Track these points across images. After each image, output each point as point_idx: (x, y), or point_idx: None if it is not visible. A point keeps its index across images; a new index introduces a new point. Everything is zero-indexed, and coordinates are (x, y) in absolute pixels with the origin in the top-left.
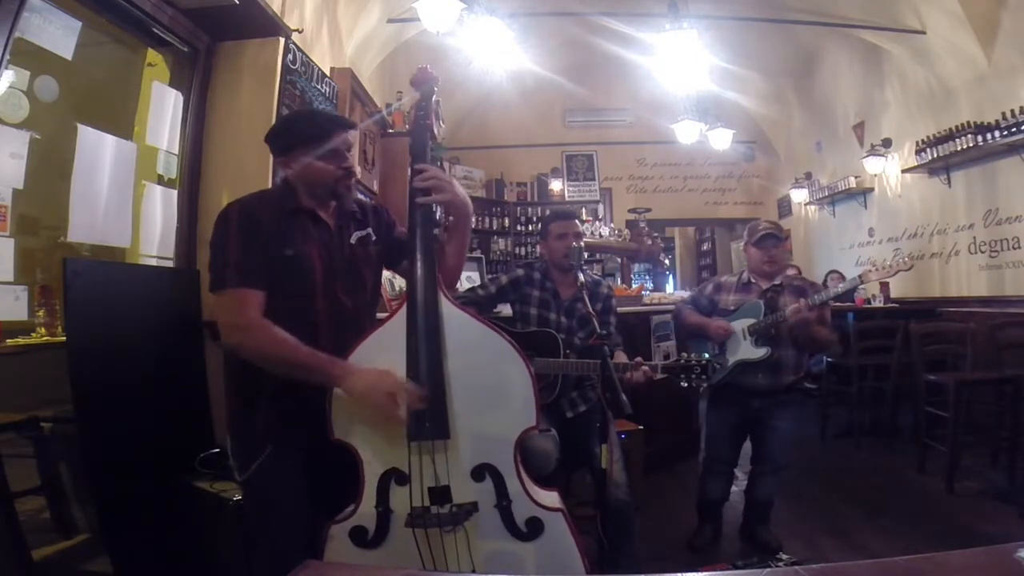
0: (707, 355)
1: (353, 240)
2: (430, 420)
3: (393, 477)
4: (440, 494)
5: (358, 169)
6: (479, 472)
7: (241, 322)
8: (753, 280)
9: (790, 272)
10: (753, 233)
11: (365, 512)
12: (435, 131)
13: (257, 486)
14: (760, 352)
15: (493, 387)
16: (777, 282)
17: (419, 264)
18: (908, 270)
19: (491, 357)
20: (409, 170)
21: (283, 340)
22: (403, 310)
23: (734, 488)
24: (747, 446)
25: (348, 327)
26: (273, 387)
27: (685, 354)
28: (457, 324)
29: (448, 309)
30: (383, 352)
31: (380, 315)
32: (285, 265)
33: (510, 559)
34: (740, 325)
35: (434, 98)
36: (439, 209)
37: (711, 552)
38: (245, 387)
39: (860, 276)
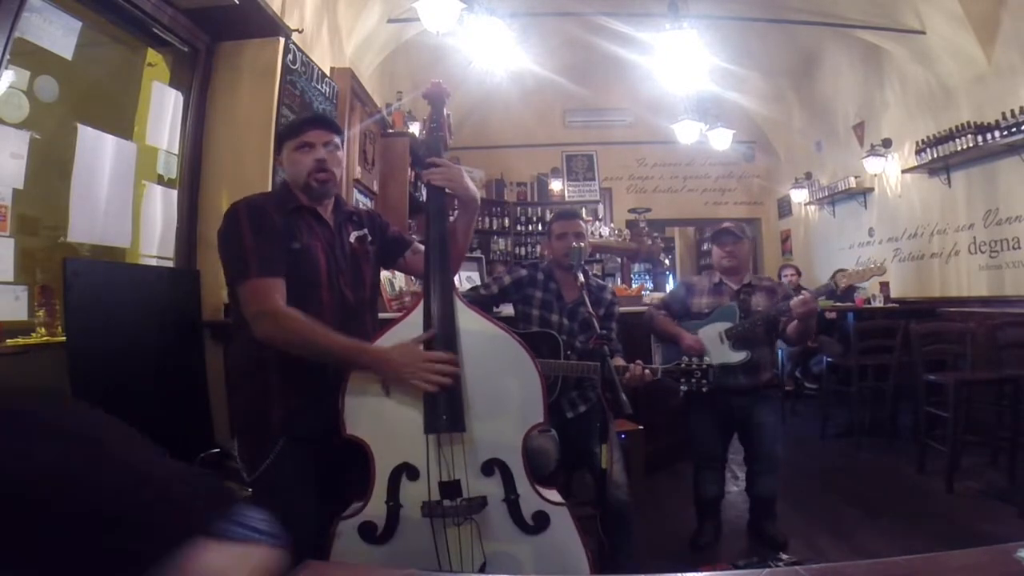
0: (708, 358)
1: (352, 239)
2: (447, 413)
3: (404, 472)
4: (451, 488)
5: (339, 167)
6: (489, 467)
7: (269, 310)
8: (724, 280)
9: (788, 272)
10: (713, 231)
11: (374, 507)
12: (447, 142)
13: (269, 483)
14: (740, 356)
15: (503, 384)
16: (747, 282)
17: (435, 264)
18: (881, 274)
19: (502, 355)
20: (410, 170)
21: (313, 327)
22: (418, 308)
23: (735, 488)
24: (738, 446)
25: (351, 321)
26: (283, 383)
27: (685, 357)
28: (470, 323)
29: (461, 308)
30: None
31: (381, 316)
32: (292, 259)
33: (518, 552)
34: (716, 329)
35: (445, 111)
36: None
37: (712, 551)
38: (255, 384)
39: (833, 279)
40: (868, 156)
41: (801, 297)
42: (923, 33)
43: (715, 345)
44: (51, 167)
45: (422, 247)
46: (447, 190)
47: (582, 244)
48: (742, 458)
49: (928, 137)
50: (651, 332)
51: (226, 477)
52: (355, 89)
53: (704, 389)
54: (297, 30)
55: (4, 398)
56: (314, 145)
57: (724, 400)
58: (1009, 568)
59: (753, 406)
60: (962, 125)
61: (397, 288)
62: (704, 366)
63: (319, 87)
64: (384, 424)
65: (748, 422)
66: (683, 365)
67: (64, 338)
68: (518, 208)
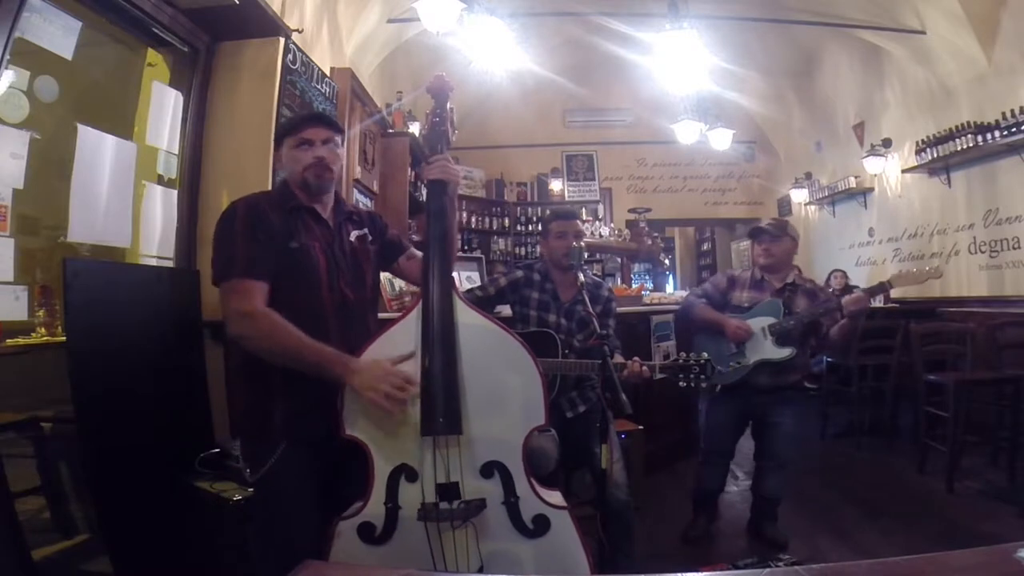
0: (706, 354)
1: (352, 238)
2: (444, 415)
3: (403, 473)
4: (449, 490)
5: (338, 165)
6: (488, 469)
7: (246, 311)
8: (765, 278)
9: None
10: (751, 229)
11: (373, 508)
12: (450, 137)
13: (271, 485)
14: (784, 352)
15: (503, 385)
16: (790, 281)
17: (434, 264)
18: (938, 277)
19: (502, 355)
20: (410, 171)
21: (287, 331)
22: (417, 308)
23: (736, 487)
24: (748, 444)
25: (352, 320)
26: (286, 384)
27: (684, 353)
28: (470, 323)
29: (461, 308)
30: (399, 348)
31: (381, 316)
32: (291, 258)
33: (517, 556)
34: (759, 324)
35: (448, 105)
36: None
37: (713, 551)
38: (257, 384)
39: (889, 281)
40: (868, 156)
41: (854, 295)
42: (923, 33)
43: (756, 339)
44: (51, 167)
45: (418, 253)
46: (449, 184)
47: (582, 243)
48: (751, 456)
49: (928, 137)
50: (689, 320)
51: (227, 477)
52: (355, 89)
53: (703, 385)
54: (297, 30)
55: None
56: (313, 143)
57: (744, 396)
58: (1009, 568)
59: (773, 405)
60: (962, 125)
61: (397, 288)
62: (702, 361)
63: (319, 87)
64: (383, 425)
65: (764, 420)
66: (680, 361)
67: (64, 338)
68: (518, 208)
